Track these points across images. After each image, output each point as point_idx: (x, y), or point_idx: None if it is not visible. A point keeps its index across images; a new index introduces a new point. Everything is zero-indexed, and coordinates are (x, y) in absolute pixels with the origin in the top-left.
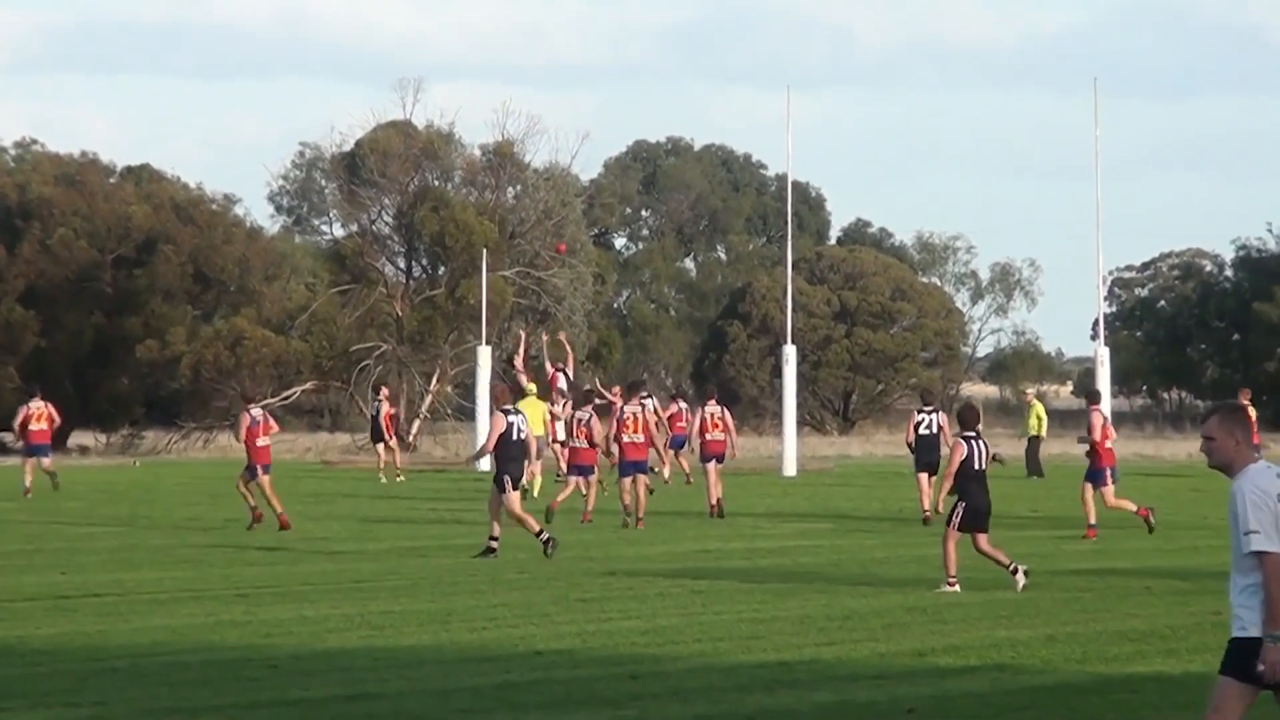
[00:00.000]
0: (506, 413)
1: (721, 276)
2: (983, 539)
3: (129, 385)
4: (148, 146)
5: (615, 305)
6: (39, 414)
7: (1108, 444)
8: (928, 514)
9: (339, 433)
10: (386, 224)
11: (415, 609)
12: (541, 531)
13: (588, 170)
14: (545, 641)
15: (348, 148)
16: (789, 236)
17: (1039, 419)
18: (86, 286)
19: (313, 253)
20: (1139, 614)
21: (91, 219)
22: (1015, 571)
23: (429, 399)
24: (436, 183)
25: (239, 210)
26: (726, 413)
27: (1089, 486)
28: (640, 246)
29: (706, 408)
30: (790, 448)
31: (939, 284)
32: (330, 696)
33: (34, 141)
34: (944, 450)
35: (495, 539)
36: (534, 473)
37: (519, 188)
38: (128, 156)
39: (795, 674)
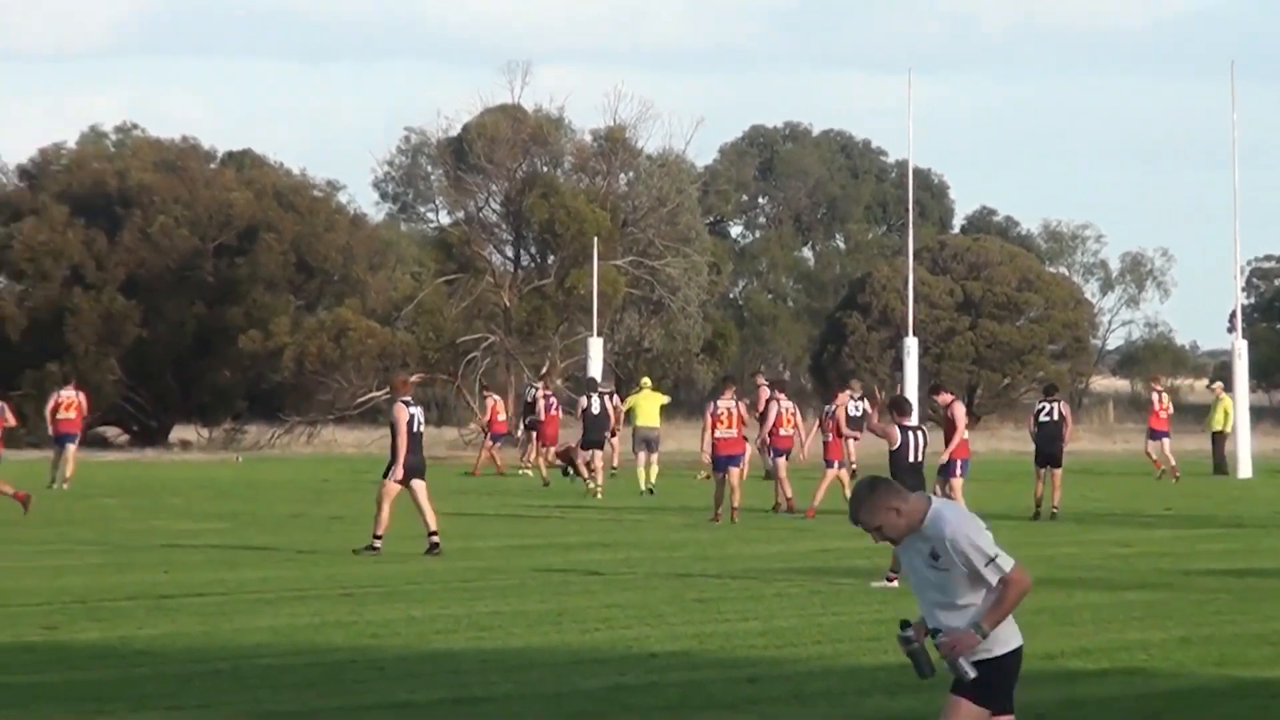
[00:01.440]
0: (406, 404)
1: (840, 266)
2: None
3: (231, 378)
4: (248, 131)
5: (731, 296)
6: (69, 403)
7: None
8: (1053, 509)
9: (445, 427)
10: (494, 211)
11: (525, 609)
12: (376, 541)
13: (702, 156)
14: (660, 643)
15: (454, 133)
16: (910, 225)
17: (1225, 413)
18: (188, 276)
19: (418, 241)
20: None
21: (192, 206)
22: (892, 579)
23: (539, 392)
24: (545, 169)
25: (342, 197)
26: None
27: None
28: (757, 235)
29: (779, 402)
30: None
31: (1067, 274)
32: (437, 700)
33: (134, 126)
34: (1066, 443)
35: (434, 534)
36: (652, 463)
37: (631, 174)
38: (228, 141)
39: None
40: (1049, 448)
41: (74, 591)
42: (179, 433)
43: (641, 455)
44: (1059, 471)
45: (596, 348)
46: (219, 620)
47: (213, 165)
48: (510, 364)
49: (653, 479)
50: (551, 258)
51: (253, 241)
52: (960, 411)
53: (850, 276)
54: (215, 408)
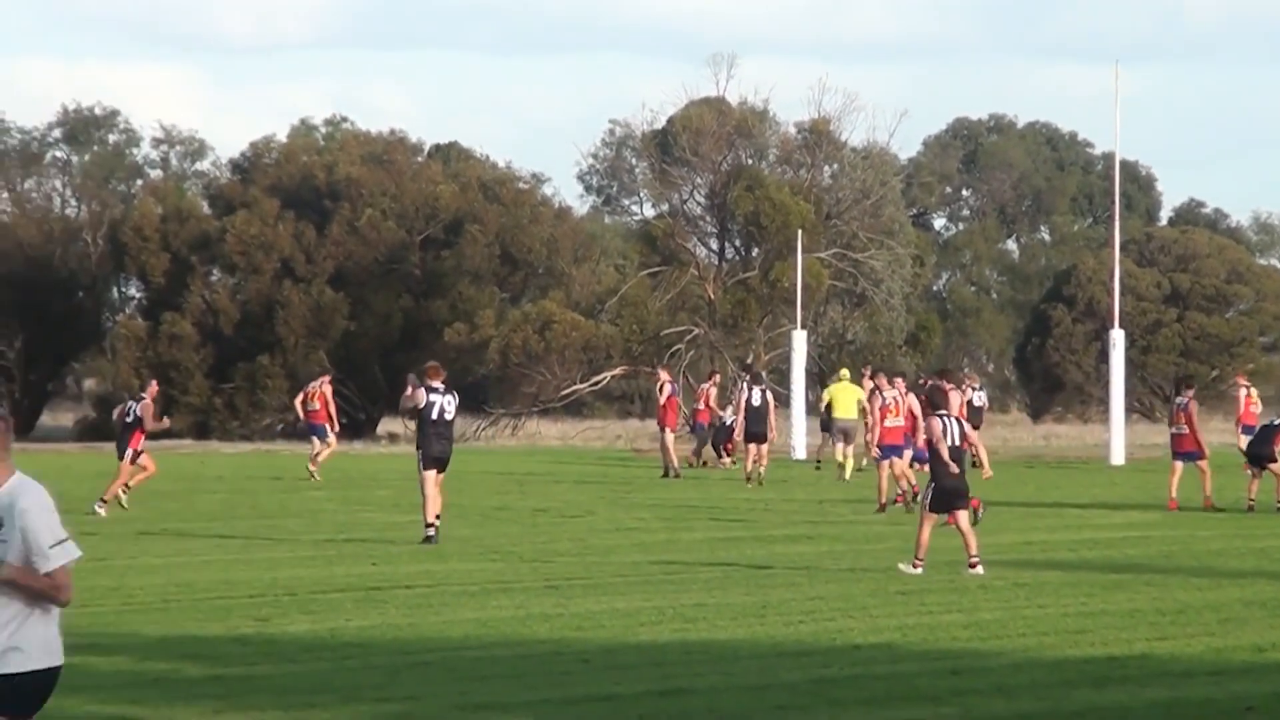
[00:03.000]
0: (431, 390)
1: (1045, 258)
2: (961, 519)
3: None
4: (455, 124)
5: (934, 288)
6: (314, 393)
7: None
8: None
9: (649, 419)
10: (698, 204)
11: (729, 602)
12: (429, 529)
13: (906, 148)
14: (864, 635)
15: (659, 125)
16: (1116, 217)
17: None
18: (394, 269)
19: (622, 233)
20: None
21: (399, 199)
22: (974, 565)
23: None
24: (750, 161)
25: (547, 190)
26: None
27: None
28: (960, 227)
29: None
30: (1118, 436)
31: (1278, 266)
32: (643, 692)
33: (343, 119)
34: None
35: (430, 525)
36: (848, 454)
37: (835, 166)
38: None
39: (1125, 670)
40: (1260, 449)
41: (285, 584)
42: (386, 425)
43: (839, 446)
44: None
45: (800, 340)
46: (426, 612)
47: (419, 158)
48: (714, 356)
49: (848, 471)
50: (755, 250)
51: (458, 234)
52: (913, 401)
53: (1055, 269)
54: None
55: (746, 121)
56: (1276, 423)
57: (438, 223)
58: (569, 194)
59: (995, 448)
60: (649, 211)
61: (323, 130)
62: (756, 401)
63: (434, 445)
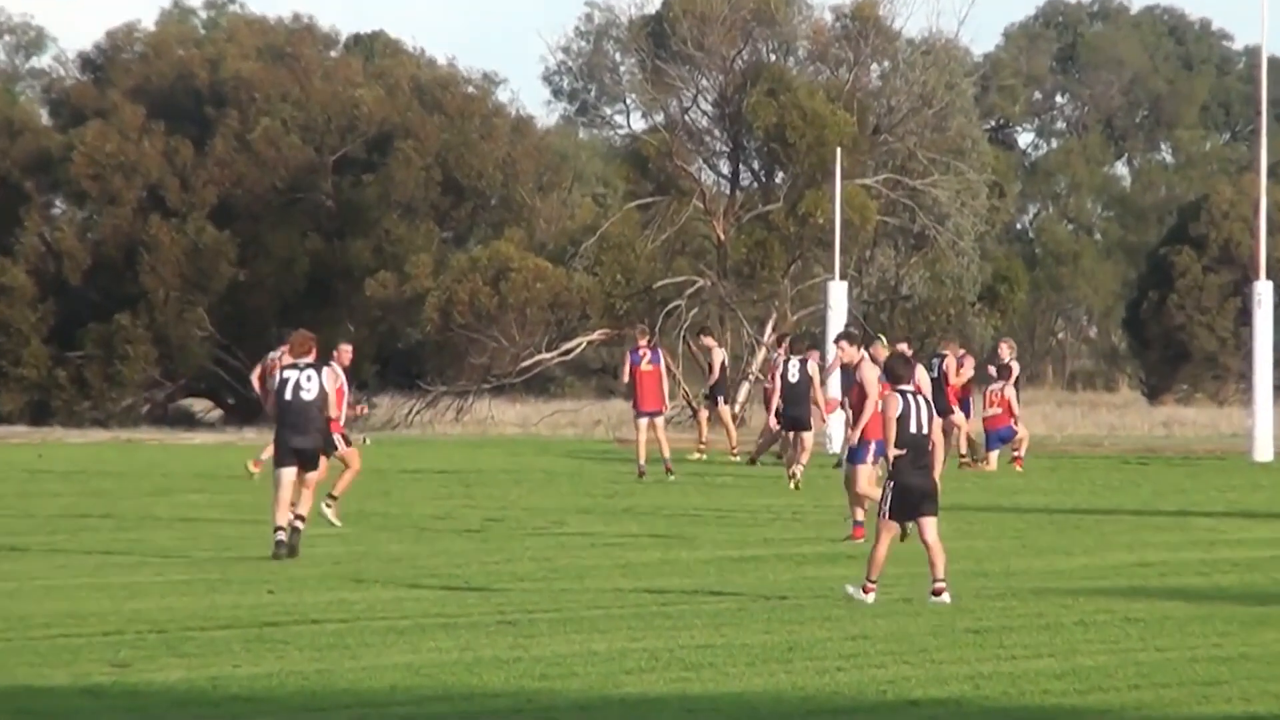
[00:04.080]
0: (291, 367)
1: (1167, 187)
2: (927, 530)
3: (355, 334)
4: (377, 8)
5: (1019, 226)
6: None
7: None
8: None
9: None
10: (704, 114)
11: (744, 642)
12: (279, 530)
13: (981, 42)
14: (923, 687)
15: (651, 10)
16: (1262, 132)
17: None
18: (299, 199)
19: (603, 153)
20: None
21: (306, 107)
22: (939, 591)
23: (761, 353)
24: (773, 57)
25: (502, 95)
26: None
27: None
28: (1054, 145)
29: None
30: (1264, 423)
31: None
32: None
33: (231, 0)
34: None
35: (291, 522)
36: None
37: (886, 64)
38: (350, 22)
39: None
40: None
41: (151, 618)
42: None
43: None
44: None
45: (839, 294)
46: (340, 656)
47: (333, 53)
48: (725, 315)
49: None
50: (780, 176)
51: (384, 153)
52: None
53: (1180, 200)
54: None
55: (768, 5)
56: None
57: (357, 138)
58: (532, 101)
59: (1099, 437)
60: (638, 124)
61: (203, 15)
62: (794, 377)
63: (289, 436)
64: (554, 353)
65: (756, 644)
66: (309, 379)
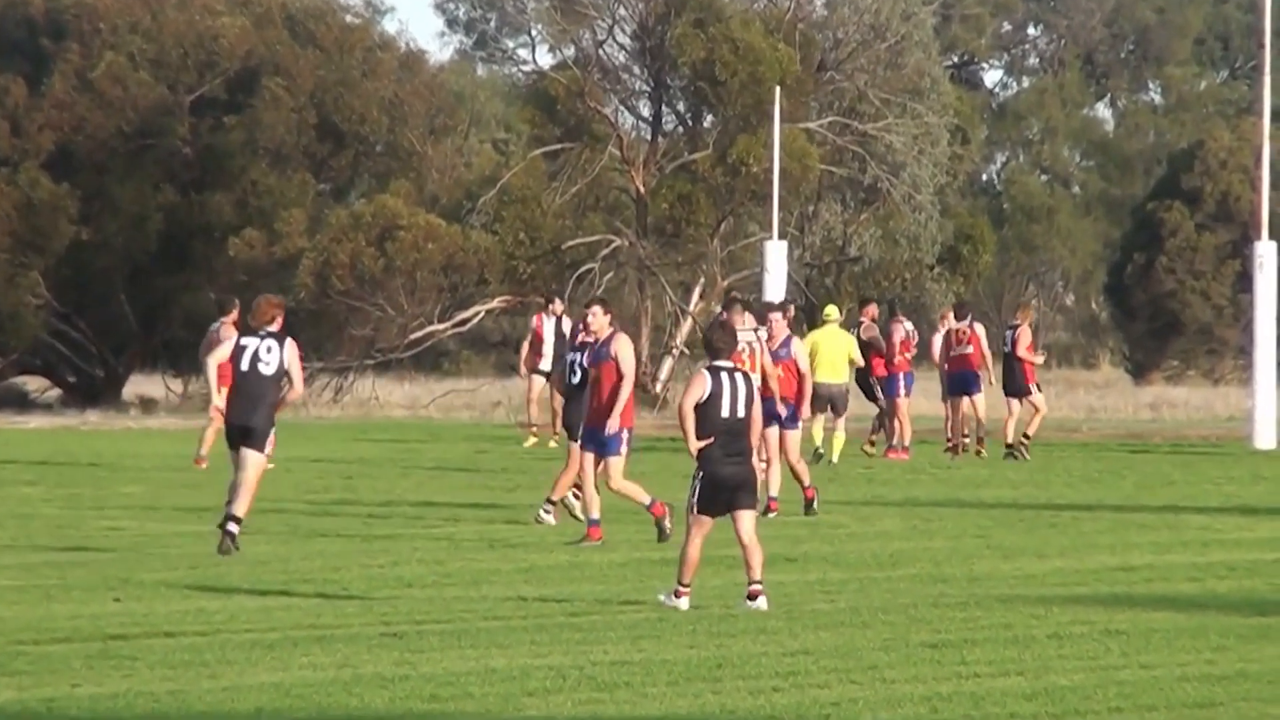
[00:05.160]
0: (250, 334)
1: (1155, 132)
2: (743, 524)
3: (216, 303)
4: None
5: (985, 177)
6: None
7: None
8: None
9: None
10: (622, 48)
11: (665, 658)
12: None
13: None
14: (873, 709)
15: None
16: (1265, 68)
17: None
18: (151, 145)
19: (505, 93)
20: None
21: (158, 38)
22: (755, 595)
23: (687, 324)
24: None
25: (388, 26)
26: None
27: None
28: (1025, 85)
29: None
30: (1266, 405)
31: None
32: None
33: None
34: None
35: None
36: (838, 429)
37: None
38: None
39: None
40: None
41: None
42: (137, 385)
43: (820, 418)
44: None
45: (778, 255)
46: (197, 674)
47: None
48: (646, 280)
49: (836, 452)
50: (709, 119)
51: (251, 93)
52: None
53: (1171, 148)
54: (192, 348)
55: None
56: None
57: (218, 75)
58: (422, 33)
59: (1076, 421)
60: (544, 60)
61: None
62: None
63: (231, 408)
64: (448, 324)
65: (679, 660)
66: (269, 350)
